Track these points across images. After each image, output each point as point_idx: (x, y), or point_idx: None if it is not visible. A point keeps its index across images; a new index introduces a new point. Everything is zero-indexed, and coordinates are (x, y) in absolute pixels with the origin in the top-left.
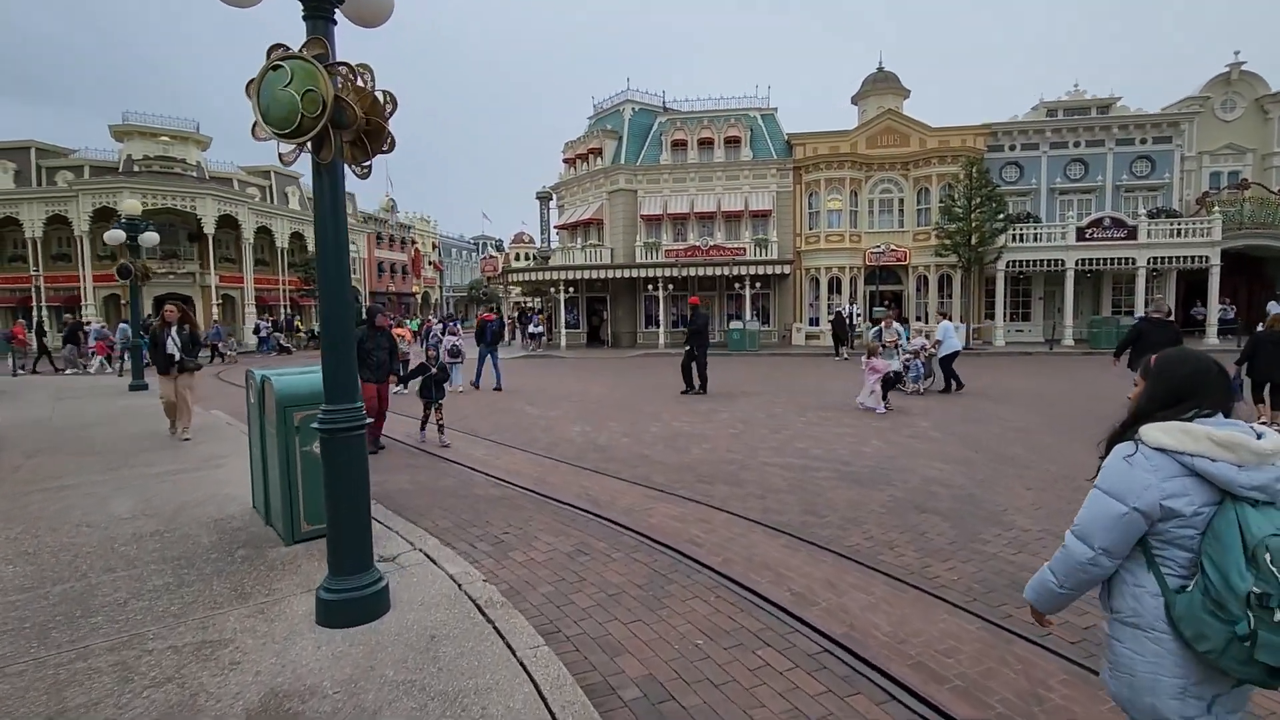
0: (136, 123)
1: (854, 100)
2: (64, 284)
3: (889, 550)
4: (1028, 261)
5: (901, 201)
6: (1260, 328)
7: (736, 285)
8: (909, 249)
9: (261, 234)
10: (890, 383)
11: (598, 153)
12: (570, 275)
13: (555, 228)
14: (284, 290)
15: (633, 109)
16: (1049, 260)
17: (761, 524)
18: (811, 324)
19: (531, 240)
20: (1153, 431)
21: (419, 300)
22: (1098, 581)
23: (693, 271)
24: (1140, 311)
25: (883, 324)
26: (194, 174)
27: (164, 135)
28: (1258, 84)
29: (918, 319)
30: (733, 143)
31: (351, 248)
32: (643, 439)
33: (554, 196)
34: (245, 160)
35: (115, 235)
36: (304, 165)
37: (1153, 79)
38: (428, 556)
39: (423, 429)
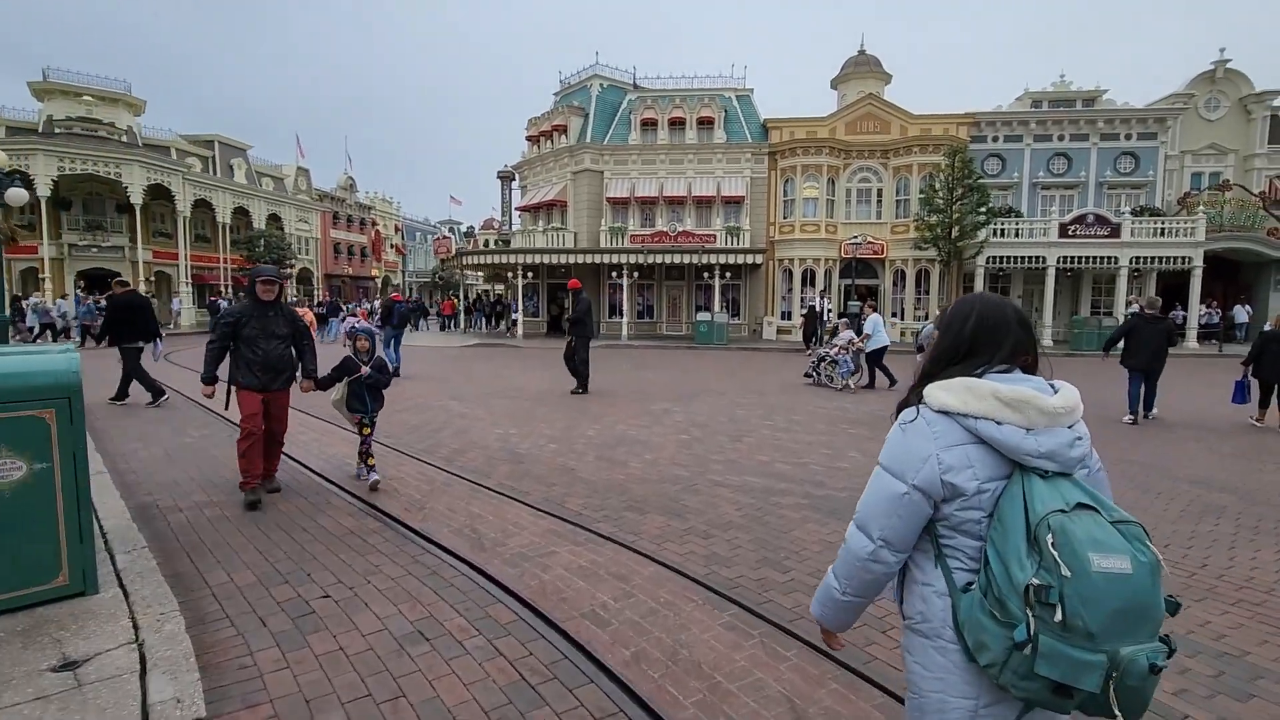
0: (58, 80)
1: (834, 84)
2: None
3: (882, 640)
4: (1009, 258)
5: (880, 192)
6: (1269, 326)
7: (706, 275)
8: (886, 241)
9: (201, 208)
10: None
11: (563, 130)
12: (529, 259)
13: (516, 209)
14: (225, 268)
15: (601, 85)
16: (1030, 257)
17: (701, 583)
18: (783, 317)
19: (501, 226)
20: (935, 390)
21: (379, 284)
22: (884, 583)
23: (659, 259)
24: (1120, 312)
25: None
26: (122, 139)
27: (88, 95)
28: (1242, 83)
29: (894, 315)
30: (706, 124)
31: (305, 226)
32: (573, 446)
33: (516, 176)
34: (193, 129)
35: None
36: (253, 136)
37: (1140, 76)
38: (142, 659)
39: (362, 462)
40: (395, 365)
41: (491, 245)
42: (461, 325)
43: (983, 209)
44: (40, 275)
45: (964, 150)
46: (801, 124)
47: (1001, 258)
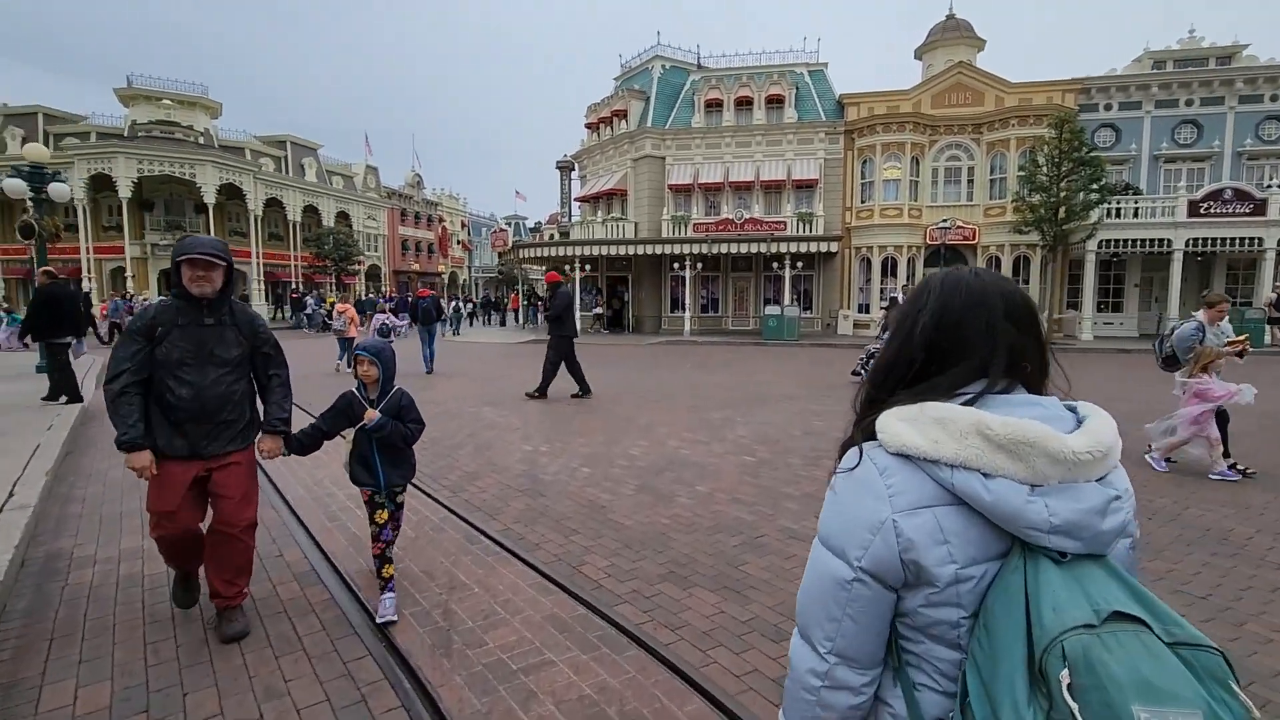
0: (141, 86)
1: (918, 54)
2: (68, 255)
3: None
4: (1125, 241)
5: (971, 170)
6: None
7: (775, 265)
8: (978, 225)
9: (273, 206)
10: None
11: (622, 116)
12: (587, 251)
13: (575, 200)
14: (295, 266)
15: (663, 66)
16: (1152, 240)
17: None
18: (861, 310)
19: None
20: (891, 422)
21: (445, 280)
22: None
23: (724, 248)
24: (1262, 301)
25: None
26: (199, 140)
27: (167, 99)
28: None
29: None
30: (775, 103)
31: (373, 223)
32: (610, 471)
33: (575, 166)
34: (268, 130)
35: (15, 185)
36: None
37: None
38: None
39: (380, 574)
40: (427, 364)
41: (549, 240)
42: (520, 320)
43: (1095, 186)
44: (127, 274)
45: (1073, 118)
46: (881, 98)
47: (1116, 241)
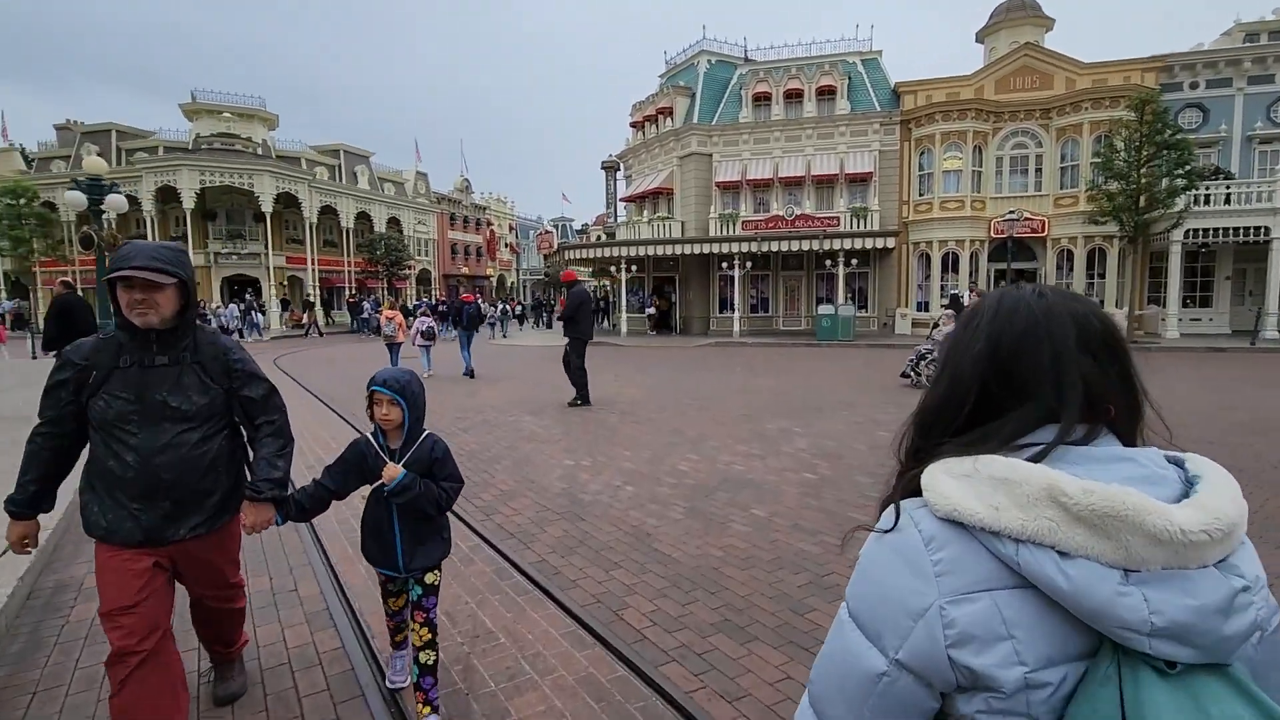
0: (204, 101)
1: (980, 36)
2: None
3: None
4: (1214, 230)
5: (1039, 158)
6: None
7: (828, 263)
8: (1048, 217)
9: (327, 214)
10: None
11: (668, 113)
12: (633, 252)
13: (621, 200)
14: (349, 271)
15: (709, 61)
16: (1246, 229)
17: None
18: (920, 308)
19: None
20: (940, 478)
21: (493, 283)
22: None
23: (775, 246)
24: None
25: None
26: (257, 151)
27: (227, 112)
28: None
29: None
30: (827, 94)
31: (423, 228)
32: (657, 490)
33: (620, 166)
34: (321, 140)
35: (75, 198)
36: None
37: None
38: None
39: (393, 641)
40: (466, 366)
41: (594, 241)
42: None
43: (1181, 171)
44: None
45: (1155, 99)
46: (940, 84)
47: (1205, 230)
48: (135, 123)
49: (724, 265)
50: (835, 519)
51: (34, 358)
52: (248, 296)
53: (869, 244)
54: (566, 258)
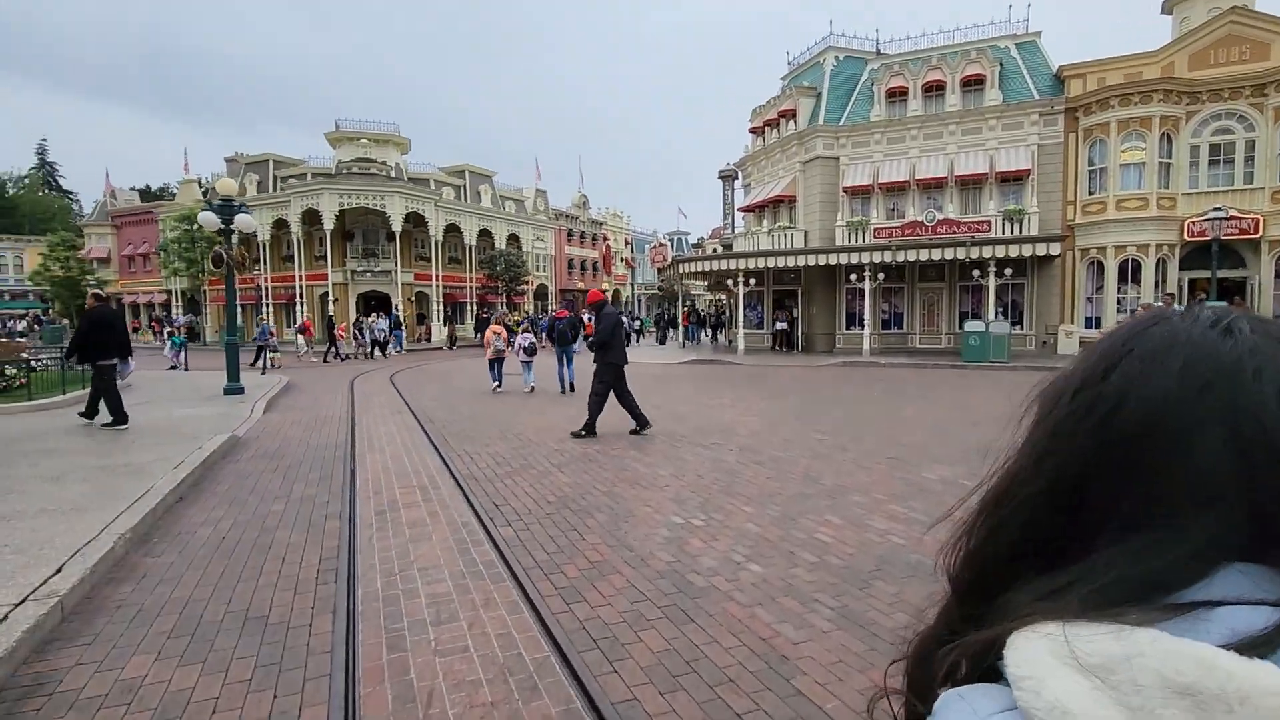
0: (346, 129)
1: (1167, 6)
2: (286, 282)
3: None
4: None
5: (1250, 145)
6: None
7: (976, 273)
8: (1263, 215)
9: (452, 232)
10: None
11: (790, 116)
12: (752, 263)
13: (739, 209)
14: (471, 287)
15: (836, 58)
16: None
17: None
18: (1089, 325)
19: (722, 235)
20: (1048, 665)
21: (609, 297)
22: None
23: (912, 255)
24: None
25: None
26: (390, 174)
27: (365, 138)
28: None
29: None
30: (973, 85)
31: (541, 244)
32: (791, 576)
33: (738, 175)
34: (449, 161)
35: (208, 218)
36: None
37: None
38: None
39: None
40: (566, 384)
41: (710, 253)
42: (680, 339)
43: None
44: (331, 299)
45: None
46: (1117, 64)
47: None
48: (291, 152)
49: (852, 277)
50: None
51: (186, 370)
52: (394, 311)
53: (1026, 251)
54: (681, 271)
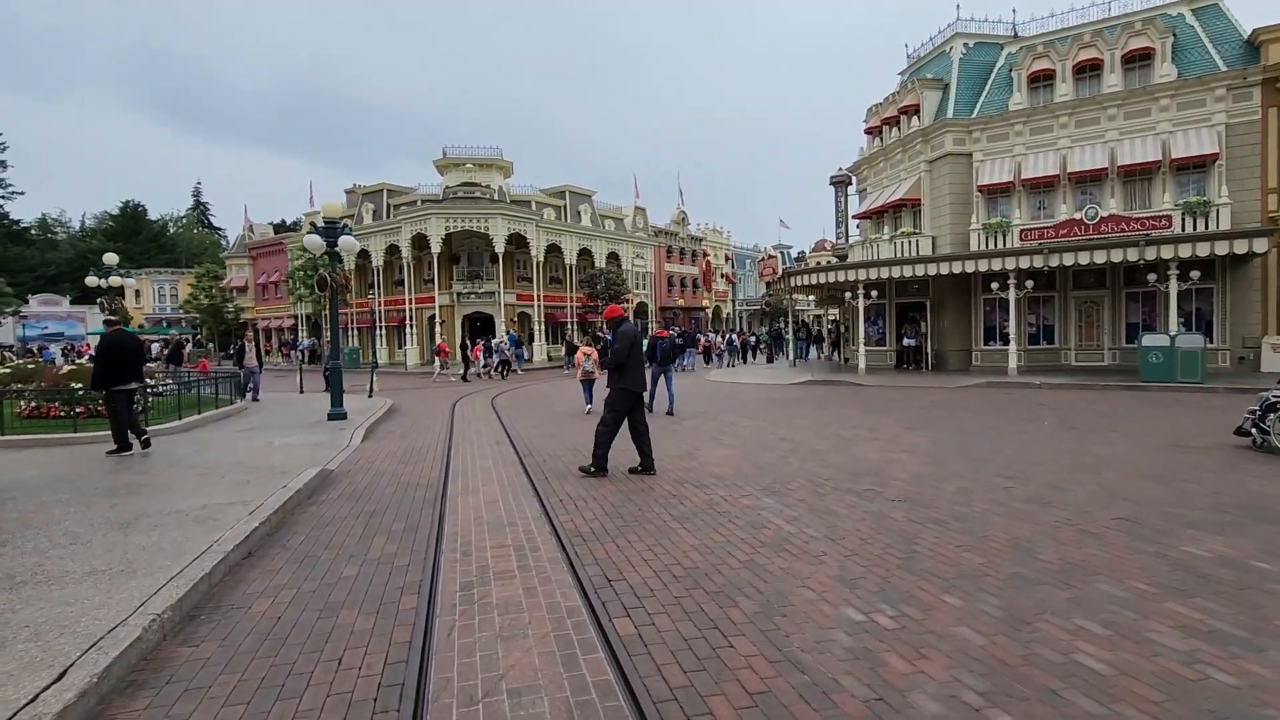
0: (453, 156)
1: None
2: (397, 305)
3: None
4: None
5: None
6: None
7: (1151, 278)
8: None
9: (553, 252)
10: None
11: (913, 112)
12: (873, 274)
13: (854, 217)
14: (571, 307)
15: (964, 45)
16: None
17: None
18: None
19: (833, 248)
20: None
21: (709, 314)
22: None
23: (1069, 259)
24: None
25: None
26: (493, 197)
27: (469, 163)
28: None
29: None
30: (1137, 61)
31: (641, 262)
32: None
33: (853, 180)
34: (551, 182)
35: (313, 240)
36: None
37: None
38: None
39: None
40: (669, 404)
41: (824, 264)
42: (790, 356)
43: None
44: (439, 320)
45: None
46: None
47: None
48: (406, 182)
49: (994, 285)
50: None
51: (301, 391)
52: (510, 332)
53: (1217, 249)
54: (793, 284)
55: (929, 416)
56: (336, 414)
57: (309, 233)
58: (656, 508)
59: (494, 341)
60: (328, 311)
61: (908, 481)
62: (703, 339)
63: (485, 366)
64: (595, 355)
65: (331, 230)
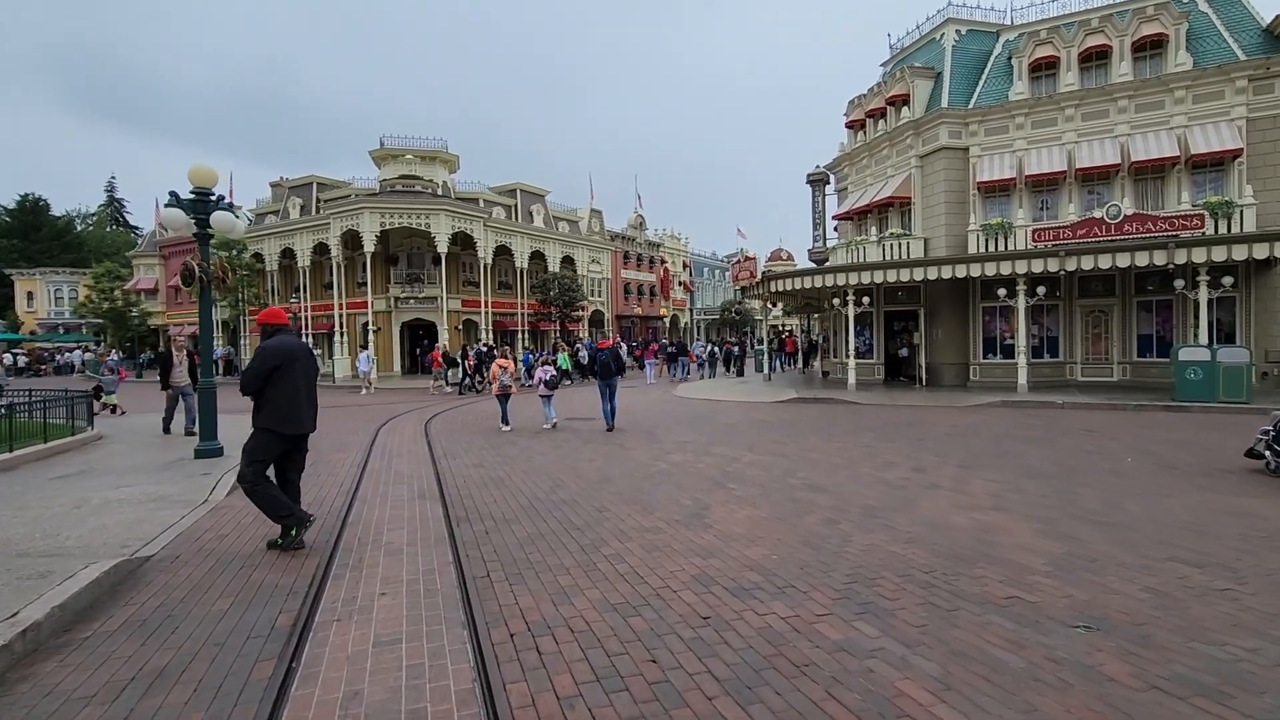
0: (390, 146)
1: None
2: (325, 311)
3: None
4: None
5: None
6: None
7: (1179, 284)
8: None
9: (502, 254)
10: None
11: (901, 102)
12: (859, 279)
13: (834, 218)
14: (522, 314)
15: (957, 32)
16: None
17: None
18: None
19: (790, 257)
20: None
21: (666, 324)
22: None
23: (1089, 263)
24: None
25: None
26: (436, 192)
27: (408, 154)
28: None
29: None
30: (1149, 48)
31: (597, 267)
32: None
33: (831, 178)
34: (500, 180)
35: (173, 215)
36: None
37: None
38: None
39: None
40: (609, 419)
41: (813, 267)
42: (765, 369)
43: None
44: (374, 327)
45: None
46: None
47: None
48: (339, 176)
49: (1000, 292)
50: None
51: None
52: (478, 343)
53: (1238, 254)
54: (773, 289)
55: (968, 448)
56: (207, 449)
57: (169, 205)
58: (687, 658)
59: (524, 355)
60: (248, 318)
61: (1044, 572)
62: (654, 345)
63: (482, 381)
64: (512, 368)
65: (203, 204)
